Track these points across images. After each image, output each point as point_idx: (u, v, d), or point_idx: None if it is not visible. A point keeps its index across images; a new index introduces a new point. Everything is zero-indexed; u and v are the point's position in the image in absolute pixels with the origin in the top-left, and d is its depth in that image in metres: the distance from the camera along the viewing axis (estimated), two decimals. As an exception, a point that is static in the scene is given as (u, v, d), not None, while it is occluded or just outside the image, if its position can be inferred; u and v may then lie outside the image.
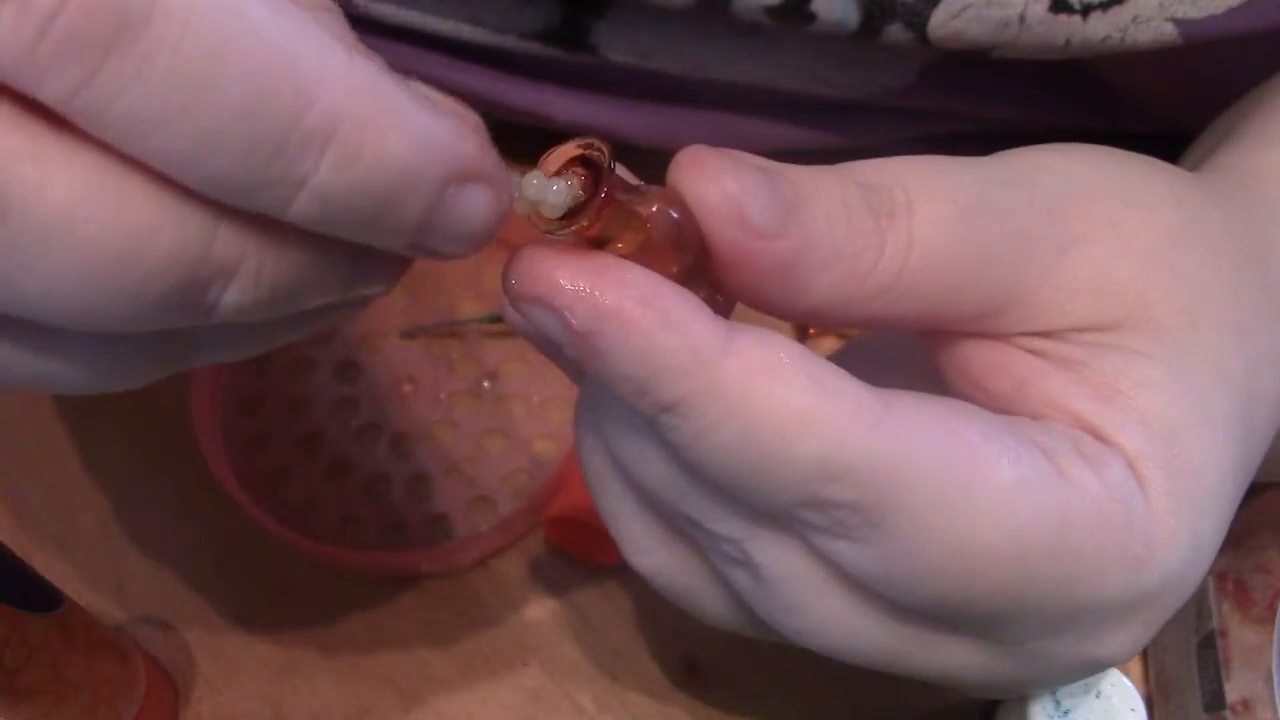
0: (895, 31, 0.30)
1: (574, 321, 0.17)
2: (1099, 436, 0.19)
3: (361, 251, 0.16)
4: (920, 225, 0.19)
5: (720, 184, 0.17)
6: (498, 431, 0.38)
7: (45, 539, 0.36)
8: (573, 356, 0.17)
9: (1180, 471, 0.19)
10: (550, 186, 0.16)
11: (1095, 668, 0.21)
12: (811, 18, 0.30)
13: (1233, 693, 0.31)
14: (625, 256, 0.17)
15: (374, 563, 0.36)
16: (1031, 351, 0.20)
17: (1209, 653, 0.32)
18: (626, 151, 0.18)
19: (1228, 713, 0.31)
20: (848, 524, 0.18)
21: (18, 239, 0.14)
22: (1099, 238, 0.20)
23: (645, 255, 0.17)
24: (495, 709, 0.35)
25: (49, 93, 0.13)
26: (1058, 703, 0.25)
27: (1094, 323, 0.20)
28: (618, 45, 0.34)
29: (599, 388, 0.19)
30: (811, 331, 0.40)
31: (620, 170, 0.18)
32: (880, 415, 0.17)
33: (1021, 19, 0.29)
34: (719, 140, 0.38)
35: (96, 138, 0.14)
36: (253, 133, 0.14)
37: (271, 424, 0.38)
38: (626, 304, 0.17)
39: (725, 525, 0.19)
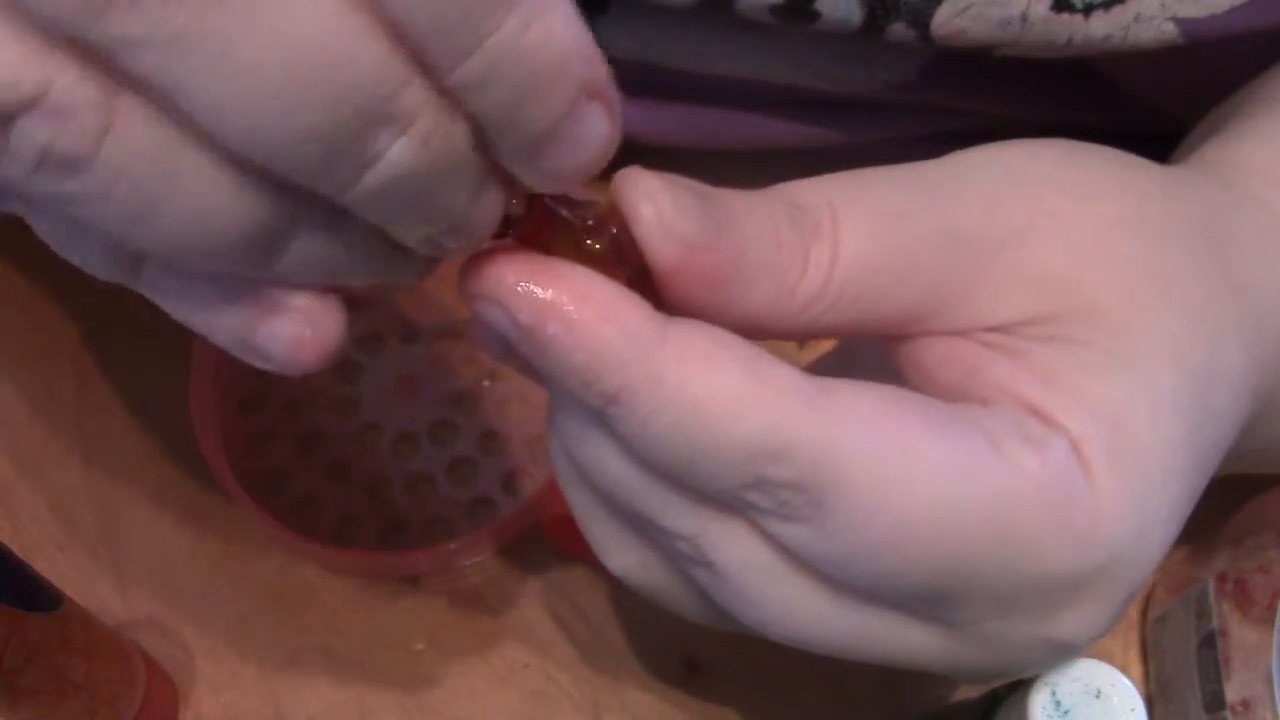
0: (898, 30, 0.30)
1: (520, 316, 0.18)
2: (1044, 418, 0.20)
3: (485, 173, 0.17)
4: (844, 237, 0.20)
5: (655, 201, 0.19)
6: (498, 431, 0.38)
7: (45, 539, 0.36)
8: (523, 352, 0.19)
9: (1124, 451, 0.20)
10: None
11: (1059, 650, 0.21)
12: (815, 16, 0.30)
13: (1233, 693, 0.31)
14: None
15: (374, 563, 0.36)
16: (980, 343, 0.21)
17: (1209, 653, 0.32)
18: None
19: (1228, 713, 0.31)
20: (792, 504, 0.19)
21: (238, 7, 0.14)
22: (1037, 230, 0.21)
23: (589, 265, 0.19)
24: (495, 709, 0.35)
25: None
26: (1058, 703, 0.25)
27: (1034, 316, 0.20)
28: (620, 41, 0.34)
29: (556, 391, 0.20)
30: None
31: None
32: (816, 398, 0.18)
33: (1024, 18, 0.29)
34: (723, 136, 0.38)
35: None
36: None
37: (271, 424, 0.38)
38: (566, 298, 0.18)
39: (679, 522, 0.20)
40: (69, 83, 0.14)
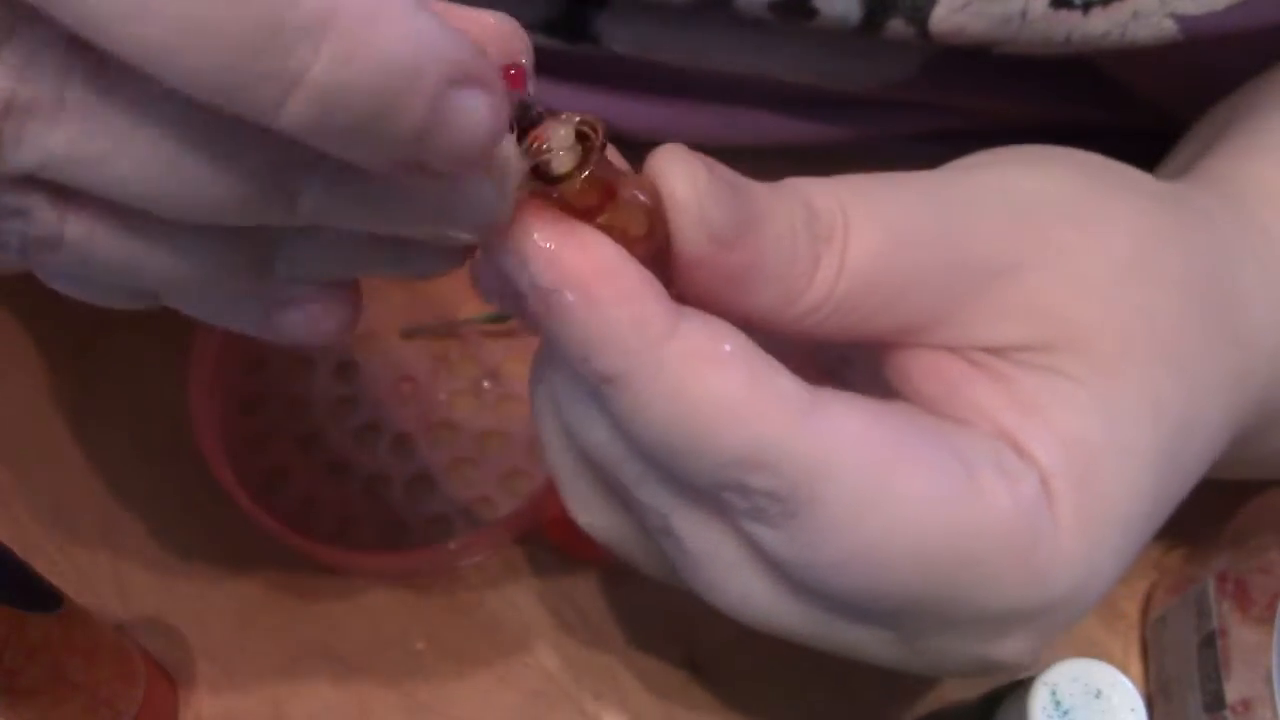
0: (897, 26, 0.30)
1: (539, 277, 0.18)
2: (1018, 449, 0.20)
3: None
4: (852, 252, 0.20)
5: (696, 188, 0.18)
6: (498, 431, 0.38)
7: (45, 539, 0.36)
8: (532, 309, 0.18)
9: (1090, 493, 0.20)
10: (551, 148, 0.17)
11: (991, 667, 0.22)
12: (813, 13, 0.30)
13: (1233, 693, 0.31)
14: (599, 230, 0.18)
15: (374, 563, 0.36)
16: (969, 360, 0.21)
17: (1209, 653, 0.32)
18: (627, 145, 0.19)
19: (1228, 713, 0.31)
20: (767, 510, 0.19)
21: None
22: (1041, 263, 0.21)
23: (616, 234, 0.18)
24: (495, 709, 0.35)
25: None
26: (1058, 703, 0.25)
27: (1023, 343, 0.21)
28: (620, 36, 0.34)
29: (554, 347, 0.20)
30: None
31: (611, 152, 0.18)
32: (809, 413, 0.18)
33: (1023, 14, 0.29)
34: (721, 132, 0.38)
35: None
36: (242, 19, 0.13)
37: (271, 424, 0.38)
38: (588, 270, 0.18)
39: (654, 498, 0.20)
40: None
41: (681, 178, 0.18)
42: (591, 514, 0.23)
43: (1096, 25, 0.29)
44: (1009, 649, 0.21)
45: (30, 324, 0.39)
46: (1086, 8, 0.29)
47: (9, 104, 0.14)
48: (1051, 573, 0.20)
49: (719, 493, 0.19)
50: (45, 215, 0.16)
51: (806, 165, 0.21)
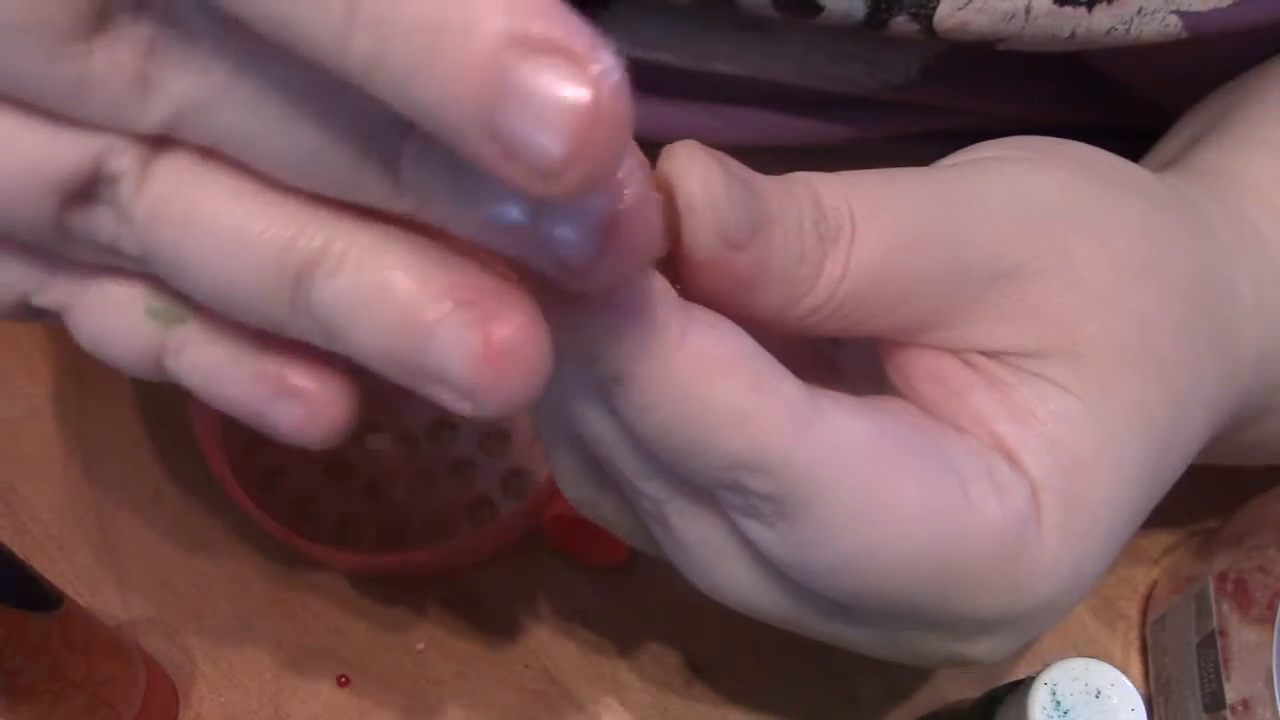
0: (902, 23, 0.30)
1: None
2: (1011, 459, 0.20)
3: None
4: (857, 254, 0.20)
5: (709, 188, 0.18)
6: (498, 431, 0.38)
7: (45, 539, 0.36)
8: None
9: (1077, 506, 0.20)
10: None
11: (963, 662, 0.22)
12: (818, 9, 0.30)
13: (1233, 693, 0.31)
14: None
15: (374, 563, 0.36)
16: (967, 363, 0.21)
17: (1209, 653, 0.32)
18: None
19: (1227, 713, 0.31)
20: (761, 510, 0.19)
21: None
22: (1045, 267, 0.21)
23: None
24: (495, 709, 0.35)
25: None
26: (1058, 703, 0.25)
27: (1020, 349, 0.21)
28: (621, 37, 0.33)
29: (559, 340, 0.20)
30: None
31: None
32: (810, 421, 0.19)
33: (1027, 10, 0.29)
34: (721, 132, 0.38)
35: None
36: None
37: (272, 423, 0.38)
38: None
39: (649, 486, 0.20)
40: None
41: (698, 180, 0.18)
42: (580, 490, 0.23)
43: (1101, 22, 0.29)
44: (983, 648, 0.21)
45: (31, 324, 0.39)
46: (1091, 4, 0.29)
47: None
48: (1032, 584, 0.20)
49: (716, 489, 0.19)
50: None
51: (807, 165, 0.21)
